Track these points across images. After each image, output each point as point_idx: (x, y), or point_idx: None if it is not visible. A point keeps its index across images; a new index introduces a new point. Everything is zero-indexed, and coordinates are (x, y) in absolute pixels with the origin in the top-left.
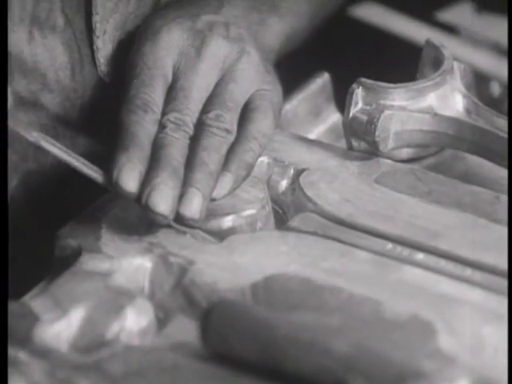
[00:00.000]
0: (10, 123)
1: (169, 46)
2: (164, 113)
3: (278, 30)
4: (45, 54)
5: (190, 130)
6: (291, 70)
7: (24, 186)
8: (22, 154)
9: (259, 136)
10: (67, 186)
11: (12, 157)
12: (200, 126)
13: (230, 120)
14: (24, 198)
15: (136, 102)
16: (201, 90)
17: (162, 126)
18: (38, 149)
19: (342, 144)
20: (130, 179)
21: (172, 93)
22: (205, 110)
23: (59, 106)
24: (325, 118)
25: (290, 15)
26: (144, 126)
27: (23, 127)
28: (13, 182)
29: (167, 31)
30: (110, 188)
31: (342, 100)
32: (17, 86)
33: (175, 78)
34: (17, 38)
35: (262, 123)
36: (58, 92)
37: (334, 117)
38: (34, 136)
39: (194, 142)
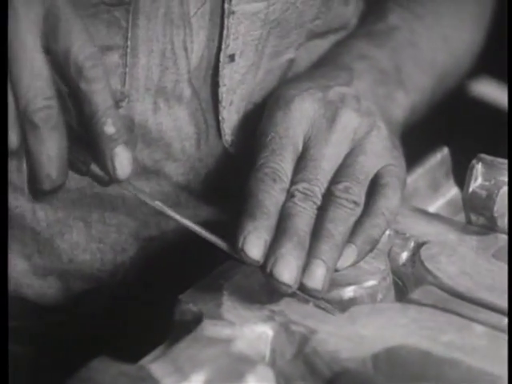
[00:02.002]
0: (132, 191)
1: (301, 115)
2: (293, 182)
3: (404, 104)
4: (170, 124)
5: (318, 201)
6: (411, 143)
7: (145, 252)
8: (143, 222)
9: (387, 213)
10: (188, 252)
11: (132, 223)
12: (328, 196)
13: (359, 192)
14: (144, 264)
15: (265, 171)
16: (331, 161)
17: (290, 195)
18: (160, 216)
19: (461, 218)
20: (255, 247)
21: (302, 162)
22: (334, 180)
23: (183, 175)
24: (444, 192)
25: (414, 89)
26: (272, 195)
27: (146, 195)
28: (133, 248)
29: (299, 101)
30: (235, 255)
31: (460, 174)
32: (140, 154)
33: (305, 148)
34: (142, 108)
35: (391, 200)
36: (182, 162)
37: (452, 191)
38: (158, 204)
39: (322, 212)
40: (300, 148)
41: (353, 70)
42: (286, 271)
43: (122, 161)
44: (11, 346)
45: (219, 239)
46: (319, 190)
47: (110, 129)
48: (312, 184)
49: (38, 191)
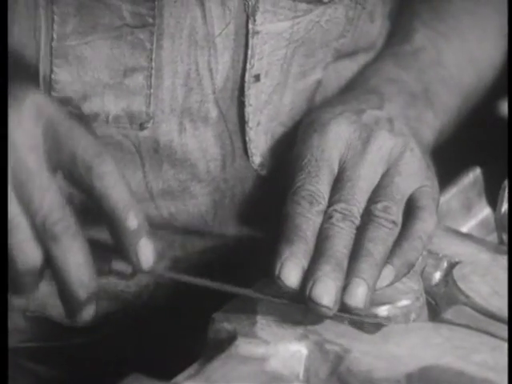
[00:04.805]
0: (157, 275)
1: (336, 138)
2: (330, 203)
3: (433, 125)
4: (195, 145)
5: (357, 221)
6: (444, 163)
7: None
8: (169, 242)
9: (424, 236)
10: (214, 273)
11: (157, 244)
12: (367, 216)
13: (397, 212)
14: (170, 285)
15: (302, 194)
16: (367, 181)
17: (328, 217)
18: (186, 238)
19: (493, 238)
20: (292, 274)
21: (338, 184)
22: (372, 200)
23: (209, 195)
24: (476, 212)
25: (442, 110)
26: (309, 218)
27: (170, 272)
28: (159, 268)
29: (335, 124)
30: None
31: (492, 195)
32: (165, 174)
33: (341, 170)
34: (167, 129)
35: (428, 223)
36: (207, 182)
37: (485, 211)
38: (185, 277)
39: (360, 232)
40: (336, 170)
41: (383, 93)
42: (325, 294)
43: (147, 252)
44: (37, 366)
45: (244, 290)
46: (357, 209)
47: (132, 223)
48: (350, 204)
49: (75, 308)
